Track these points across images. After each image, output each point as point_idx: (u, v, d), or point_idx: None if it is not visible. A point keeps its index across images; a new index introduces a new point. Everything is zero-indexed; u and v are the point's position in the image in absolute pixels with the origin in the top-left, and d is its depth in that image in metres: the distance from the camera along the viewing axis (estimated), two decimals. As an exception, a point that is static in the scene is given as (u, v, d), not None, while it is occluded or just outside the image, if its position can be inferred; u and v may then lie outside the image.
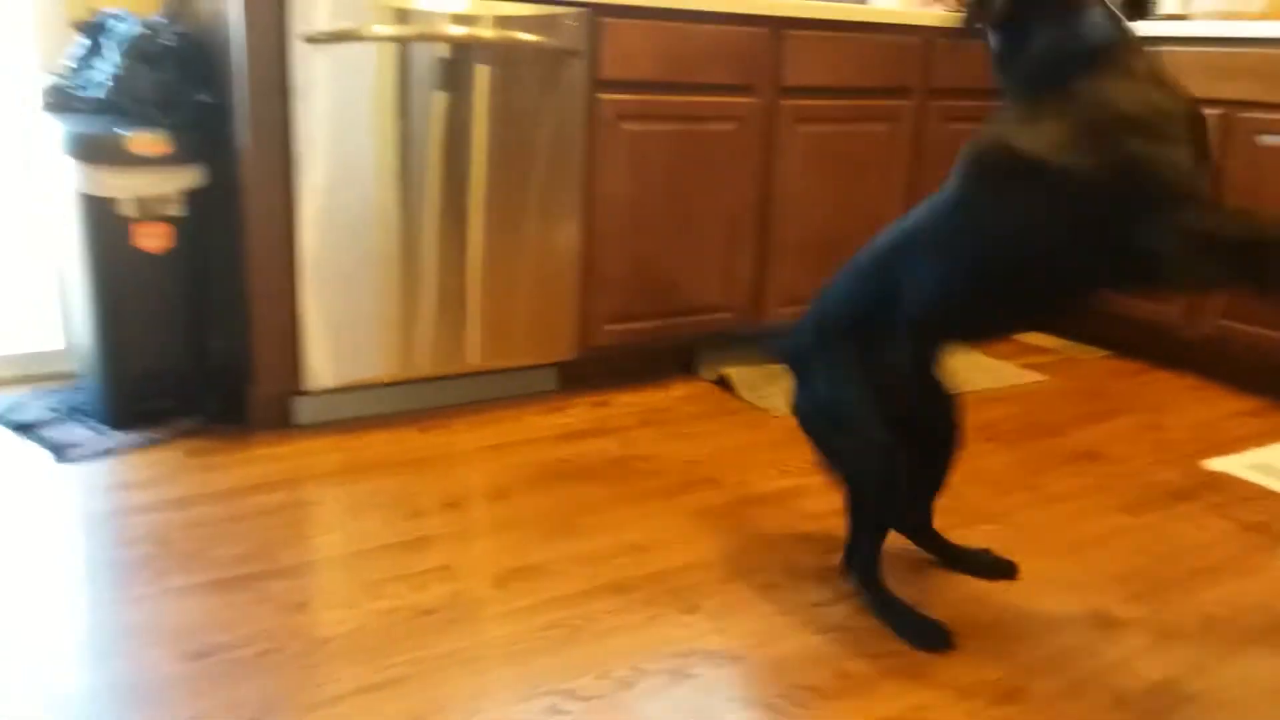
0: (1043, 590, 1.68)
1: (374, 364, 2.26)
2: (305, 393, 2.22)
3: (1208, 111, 2.76)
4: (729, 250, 2.65)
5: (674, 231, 2.55)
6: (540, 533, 1.82)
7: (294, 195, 2.09)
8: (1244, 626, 1.59)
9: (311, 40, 2.03)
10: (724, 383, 2.66)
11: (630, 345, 2.59)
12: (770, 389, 2.61)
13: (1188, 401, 2.69)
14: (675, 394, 2.59)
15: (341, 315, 2.19)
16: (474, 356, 2.38)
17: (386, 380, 2.30)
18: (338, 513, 1.87)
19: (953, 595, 1.66)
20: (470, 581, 1.64)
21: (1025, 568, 1.75)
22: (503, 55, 2.23)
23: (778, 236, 2.71)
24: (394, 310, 2.25)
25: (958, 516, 1.94)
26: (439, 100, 2.19)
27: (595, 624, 1.53)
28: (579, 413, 2.43)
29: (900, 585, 1.63)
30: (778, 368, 2.70)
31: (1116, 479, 2.16)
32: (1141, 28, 2.88)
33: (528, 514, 1.89)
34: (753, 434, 2.34)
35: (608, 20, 2.32)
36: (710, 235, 2.60)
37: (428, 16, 2.13)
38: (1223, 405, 2.68)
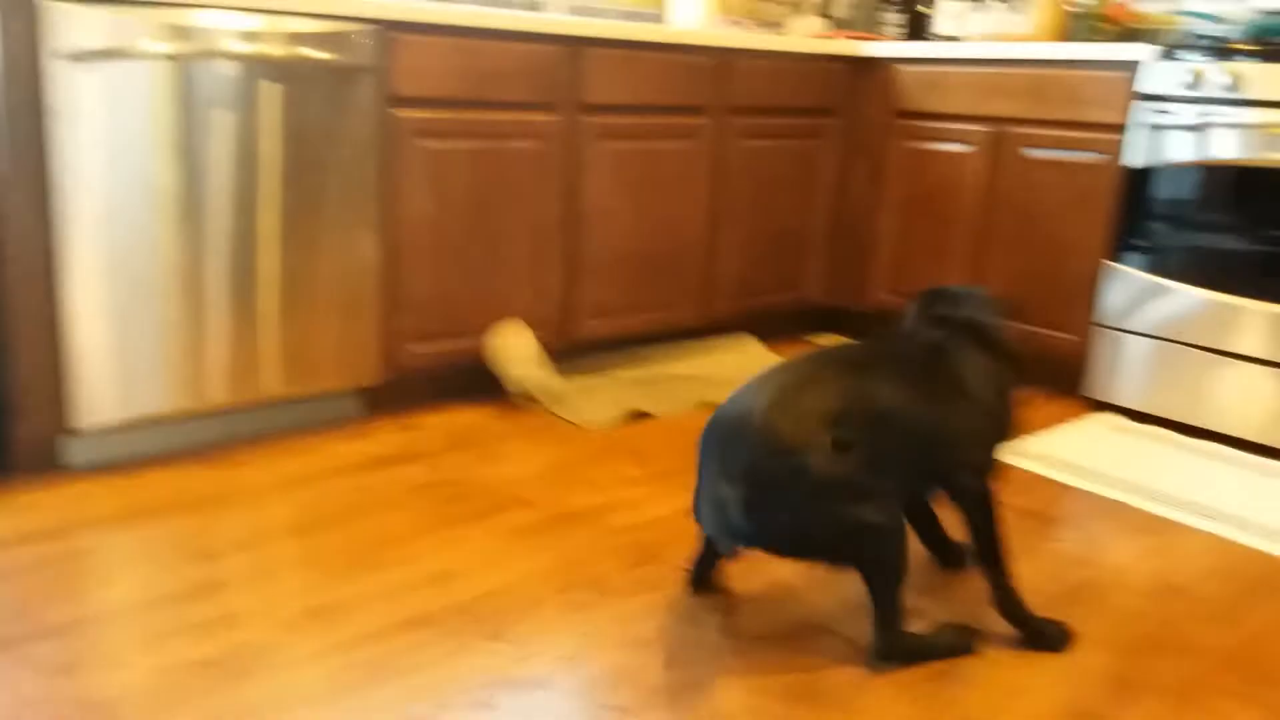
0: (840, 589, 1.74)
1: (158, 397, 2.12)
2: (77, 431, 2.06)
3: (980, 129, 2.97)
4: (537, 267, 2.64)
5: (480, 249, 2.52)
6: (337, 569, 1.75)
7: (55, 222, 1.94)
8: (1017, 610, 1.70)
9: (75, 58, 1.89)
10: (533, 399, 2.64)
11: (438, 366, 2.54)
12: (581, 402, 2.61)
13: (972, 398, 2.86)
14: (487, 413, 2.56)
15: (119, 346, 2.05)
16: (271, 384, 2.27)
17: (173, 414, 2.16)
18: (113, 562, 1.74)
19: (750, 599, 1.70)
20: (260, 628, 1.56)
21: (820, 572, 1.81)
22: (291, 73, 2.15)
23: (587, 252, 2.72)
24: (179, 339, 2.12)
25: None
26: (225, 120, 2.09)
27: (395, 662, 1.48)
28: (384, 438, 2.36)
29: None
30: (588, 383, 2.71)
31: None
32: (920, 48, 3.06)
33: (324, 550, 1.81)
34: (565, 449, 2.33)
35: (400, 36, 2.27)
36: (517, 252, 2.59)
37: (208, 33, 2.02)
38: (1003, 400, 2.86)
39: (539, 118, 2.54)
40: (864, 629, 1.63)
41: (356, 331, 2.37)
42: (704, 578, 1.72)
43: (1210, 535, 2.02)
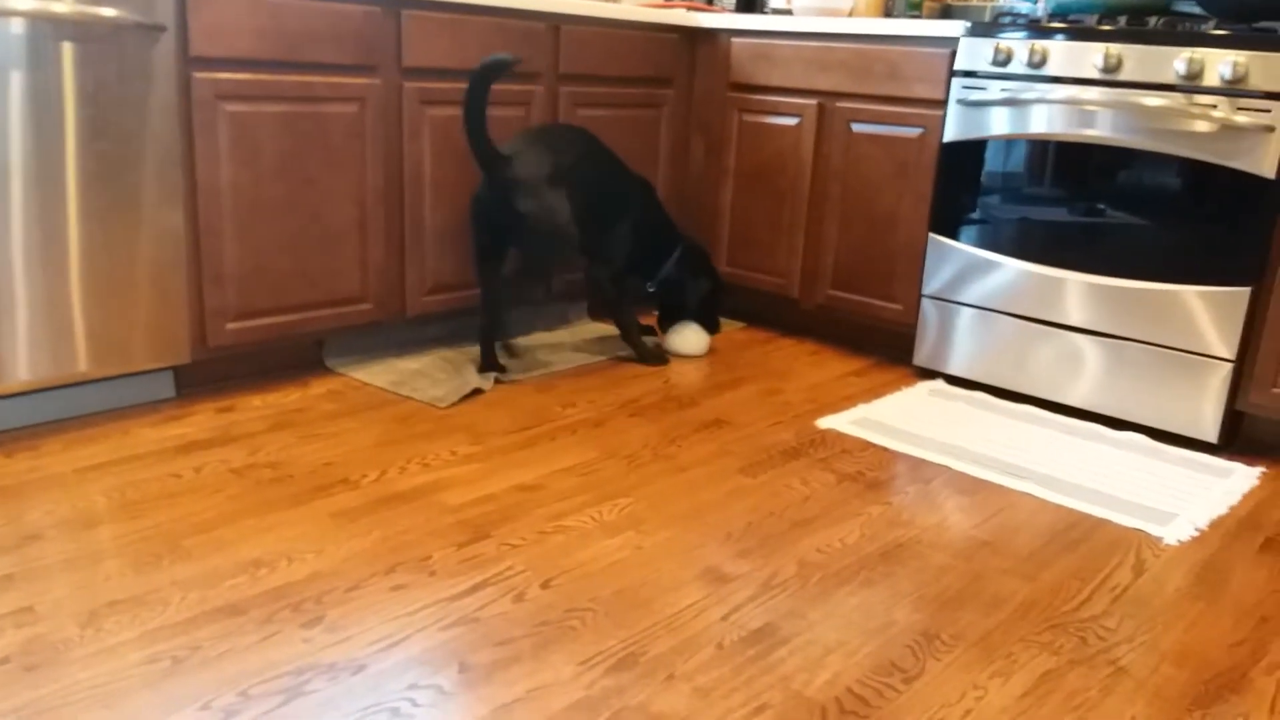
0: (665, 558, 1.77)
1: (-61, 383, 1.96)
2: None
3: (809, 103, 3.03)
4: (362, 239, 2.55)
5: (298, 220, 2.41)
6: (141, 561, 1.65)
7: None
8: (835, 570, 1.76)
9: None
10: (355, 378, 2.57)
11: (258, 343, 2.43)
12: (413, 380, 2.55)
13: (805, 366, 2.95)
14: (313, 392, 2.47)
15: (-111, 329, 1.88)
16: (78, 364, 2.13)
17: (-42, 401, 2.00)
18: (-114, 562, 1.60)
19: (581, 571, 1.70)
20: (53, 623, 1.46)
21: (653, 538, 1.83)
22: (84, 31, 2.00)
23: (414, 223, 2.65)
24: (-39, 320, 1.96)
25: (596, 493, 2.00)
26: (14, 82, 1.92)
27: (201, 653, 1.42)
28: (199, 420, 2.24)
29: (534, 559, 1.64)
30: (420, 359, 2.66)
31: (739, 443, 2.32)
32: (752, 20, 3.10)
33: (130, 541, 1.71)
34: (396, 428, 2.27)
35: (203, -6, 2.14)
36: (339, 224, 2.49)
37: (-22, -17, 1.86)
38: (834, 367, 2.96)
39: (356, 80, 2.45)
40: (688, 604, 1.65)
41: (167, 308, 2.25)
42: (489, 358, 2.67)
43: (1021, 494, 2.14)
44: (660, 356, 2.88)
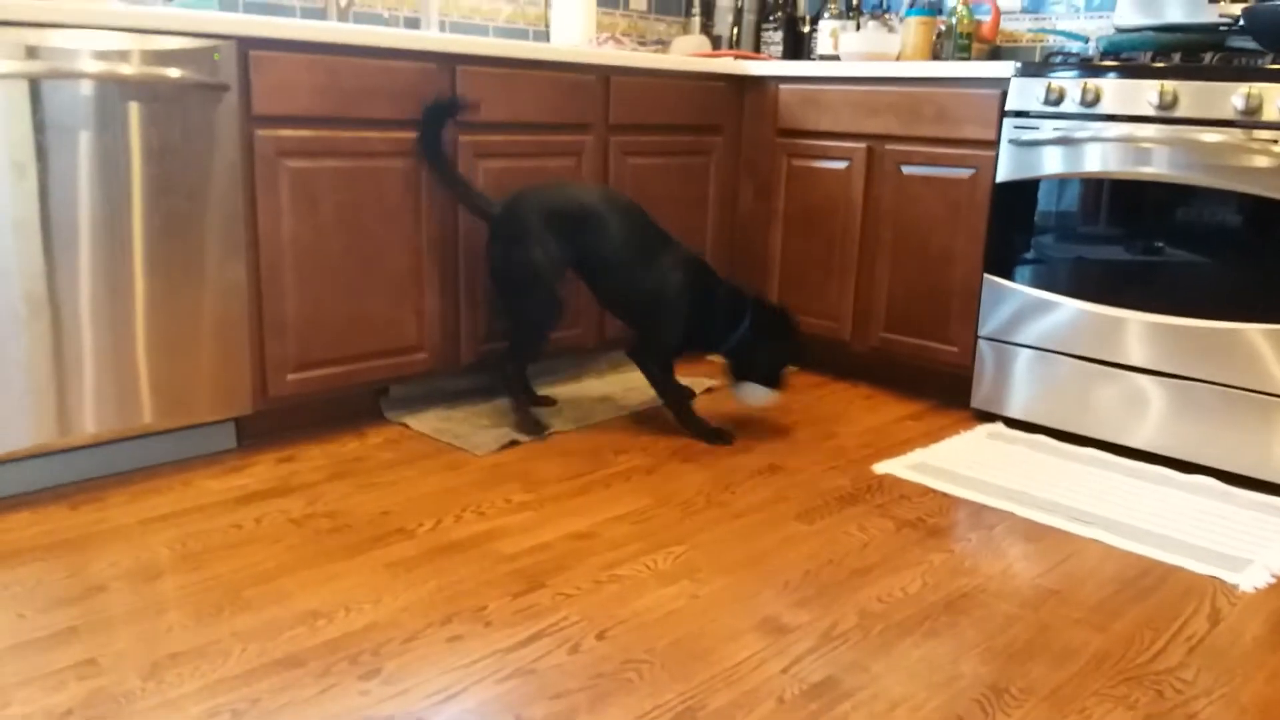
0: (721, 607, 1.74)
1: (18, 434, 2.01)
2: (-78, 476, 1.93)
3: (859, 146, 3.02)
4: (417, 289, 2.59)
5: (355, 272, 2.46)
6: (202, 612, 1.67)
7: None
8: (896, 620, 1.72)
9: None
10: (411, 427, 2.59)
11: (317, 394, 2.47)
12: (466, 428, 2.57)
13: (859, 410, 2.91)
14: (370, 442, 2.49)
15: (-36, 385, 1.94)
16: (141, 417, 2.17)
17: (32, 451, 2.05)
18: (-42, 613, 1.63)
19: (636, 621, 1.68)
20: (116, 675, 1.48)
21: (709, 587, 1.81)
22: (149, 92, 2.07)
23: (468, 273, 2.68)
24: (40, 372, 2.01)
25: (650, 540, 1.98)
26: (82, 142, 2.00)
27: (260, 705, 1.42)
28: (260, 471, 2.27)
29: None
30: (476, 408, 2.68)
31: (794, 489, 2.29)
32: (800, 67, 3.12)
33: (191, 592, 1.73)
34: (451, 476, 2.28)
35: (257, 53, 2.21)
36: (395, 274, 2.53)
37: (60, 53, 1.93)
38: (890, 411, 2.92)
39: (411, 135, 2.49)
40: (747, 656, 1.63)
41: (228, 360, 2.29)
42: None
43: (1088, 540, 2.08)
44: (724, 436, 2.61)
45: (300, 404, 2.50)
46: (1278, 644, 1.69)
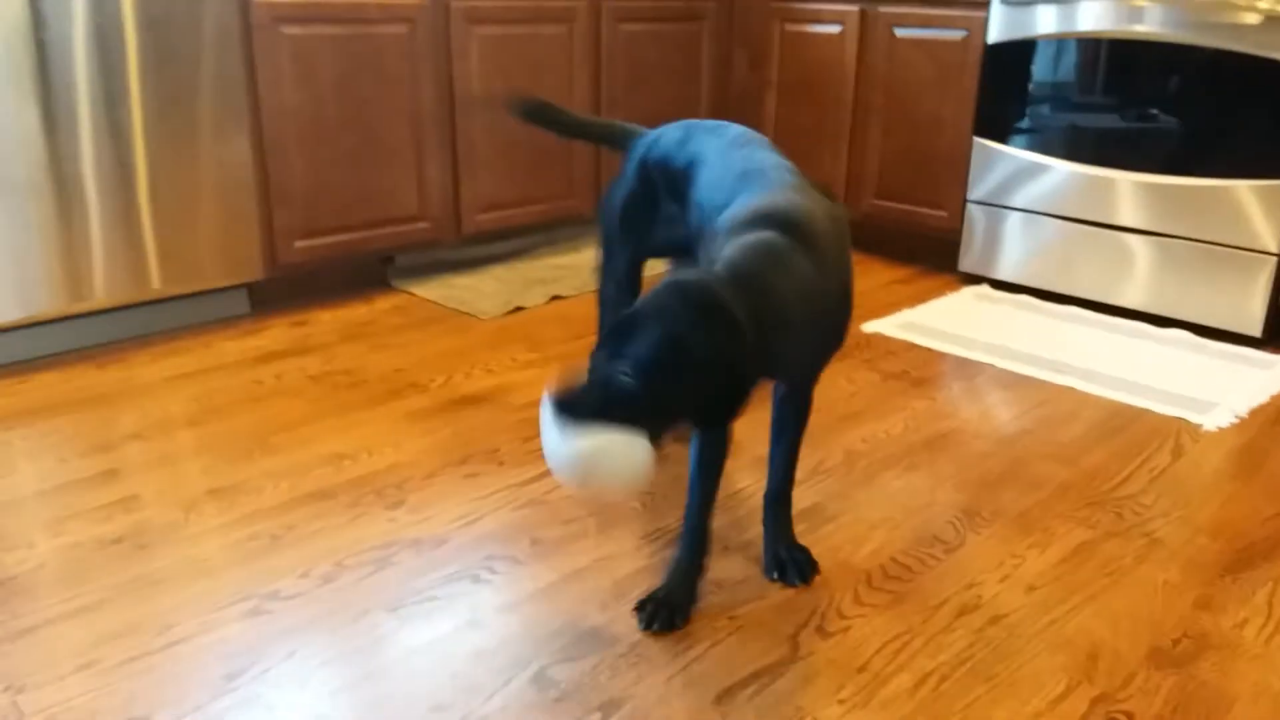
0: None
1: (35, 299, 2.10)
2: (-44, 338, 2.03)
3: (852, 9, 3.03)
4: (418, 159, 2.64)
5: (357, 141, 2.51)
6: (234, 454, 1.79)
7: (-90, 119, 1.88)
8: (879, 457, 1.85)
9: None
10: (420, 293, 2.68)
11: (326, 261, 2.55)
12: (470, 295, 2.66)
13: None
14: (379, 307, 2.59)
15: (-11, 250, 2.02)
16: (154, 283, 2.26)
17: (54, 315, 2.14)
18: (7, 457, 1.75)
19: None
20: (159, 508, 1.60)
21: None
22: (145, -42, 2.08)
23: (466, 141, 2.73)
24: (52, 240, 2.09)
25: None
26: (80, 11, 2.02)
27: (296, 531, 1.55)
28: (275, 334, 2.37)
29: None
30: (478, 275, 2.75)
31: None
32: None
33: (221, 438, 1.85)
34: (459, 339, 2.39)
35: (261, -80, 2.21)
36: (396, 144, 2.58)
37: (49, -86, 1.94)
38: (880, 276, 3.01)
39: (405, 1, 2.51)
40: (742, 486, 1.75)
41: (237, 228, 2.36)
42: None
43: (1064, 387, 2.20)
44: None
45: (310, 272, 2.58)
46: (1235, 474, 1.82)
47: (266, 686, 1.21)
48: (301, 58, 2.35)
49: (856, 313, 2.66)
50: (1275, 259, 2.39)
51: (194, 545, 1.51)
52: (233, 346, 2.28)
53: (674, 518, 1.62)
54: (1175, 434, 1.98)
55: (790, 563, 1.46)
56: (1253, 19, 2.31)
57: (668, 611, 1.35)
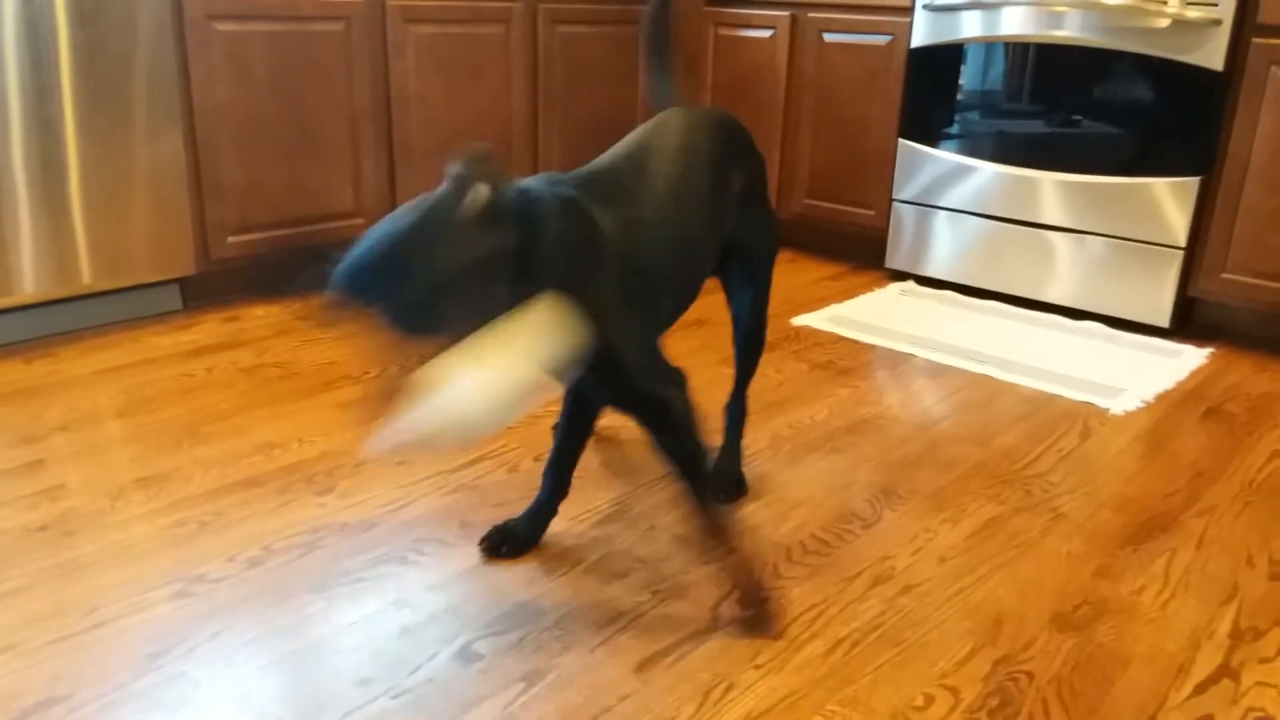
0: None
1: (-40, 294, 2.08)
2: (-124, 332, 2.00)
3: (782, 14, 3.10)
4: (354, 155, 2.65)
5: (292, 137, 2.51)
6: (163, 444, 1.79)
7: None
8: (803, 442, 1.90)
9: None
10: (363, 288, 2.69)
11: (259, 256, 2.55)
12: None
13: (782, 273, 3.07)
14: (314, 303, 2.59)
15: (-89, 243, 1.99)
16: (84, 277, 2.25)
17: (-22, 311, 2.12)
18: (-72, 450, 1.74)
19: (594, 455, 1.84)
20: (86, 496, 1.60)
21: (634, 418, 1.97)
22: (72, -49, 2.08)
23: (403, 137, 2.75)
24: (-23, 234, 2.07)
25: (579, 383, 2.13)
26: (9, 4, 2.01)
27: (224, 517, 1.56)
28: (208, 329, 2.37)
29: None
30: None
31: (718, 339, 2.45)
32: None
33: (150, 429, 1.85)
34: (391, 332, 2.40)
35: (191, -85, 2.22)
36: (331, 140, 2.59)
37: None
38: (810, 273, 3.09)
39: None
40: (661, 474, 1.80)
41: (169, 222, 2.36)
42: None
43: (979, 375, 2.28)
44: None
45: (243, 267, 2.58)
46: (1139, 454, 1.91)
47: (192, 665, 1.23)
48: (236, 54, 2.36)
49: (786, 306, 2.72)
50: (1183, 253, 2.51)
51: (121, 532, 1.51)
52: (164, 341, 2.28)
53: (603, 499, 1.66)
54: (1084, 418, 2.06)
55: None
56: (1162, 23, 2.42)
57: (505, 540, 1.48)
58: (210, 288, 2.55)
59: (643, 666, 1.26)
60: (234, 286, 2.60)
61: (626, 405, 1.30)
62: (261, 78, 2.42)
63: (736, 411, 1.71)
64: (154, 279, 2.37)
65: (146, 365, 2.14)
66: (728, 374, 2.16)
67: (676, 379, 1.30)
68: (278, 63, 2.44)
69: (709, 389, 2.12)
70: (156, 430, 1.85)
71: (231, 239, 2.46)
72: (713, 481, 1.42)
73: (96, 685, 1.19)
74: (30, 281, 2.17)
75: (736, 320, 1.64)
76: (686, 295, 1.39)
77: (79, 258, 2.22)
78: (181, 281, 2.47)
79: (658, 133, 1.41)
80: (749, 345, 1.67)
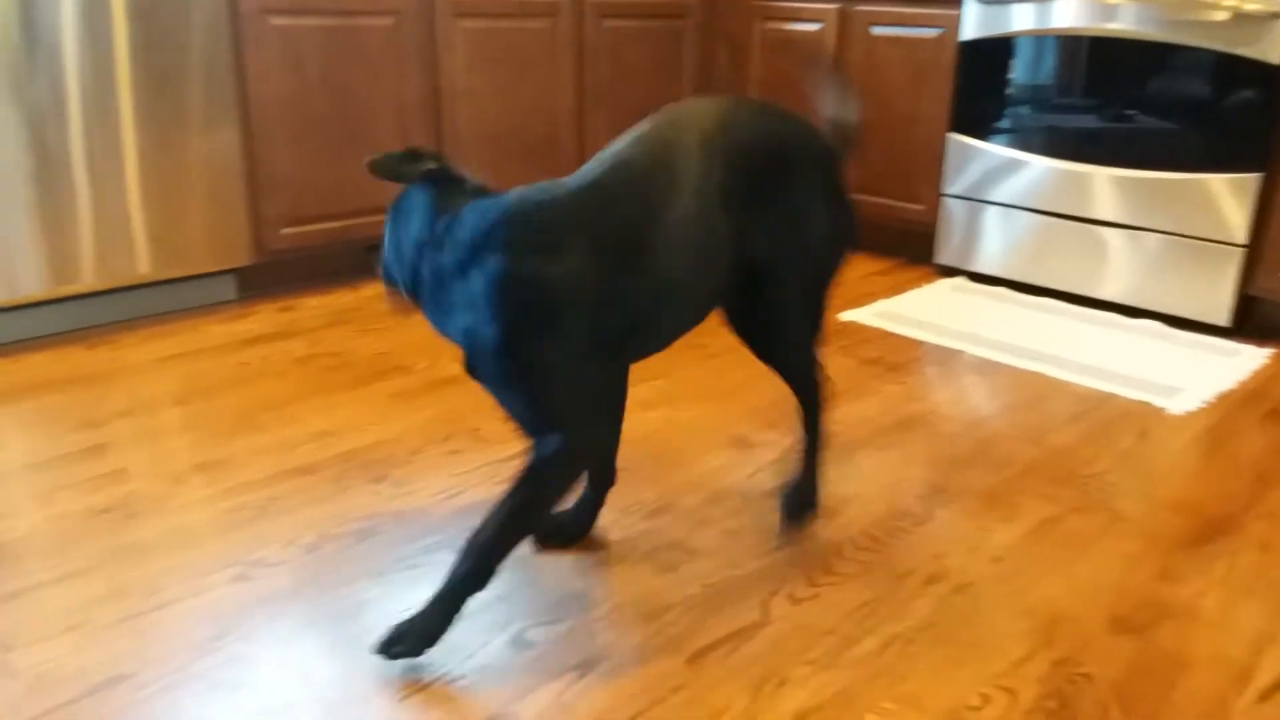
0: (696, 429, 1.91)
1: (24, 281, 2.13)
2: (-55, 318, 2.06)
3: (830, 8, 3.08)
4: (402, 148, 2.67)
5: (344, 130, 2.54)
6: (221, 431, 1.82)
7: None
8: (852, 438, 1.89)
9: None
10: (412, 280, 2.71)
11: (312, 248, 2.58)
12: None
13: (830, 266, 3.05)
14: (364, 294, 2.62)
15: (-22, 232, 2.04)
16: (142, 267, 2.29)
17: (42, 298, 2.17)
18: (-5, 434, 1.78)
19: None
20: (147, 481, 1.64)
21: (686, 413, 1.97)
22: (135, -54, 2.12)
23: (452, 131, 2.77)
24: (46, 222, 2.12)
25: (633, 376, 2.14)
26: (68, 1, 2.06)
27: (281, 503, 1.59)
28: (263, 319, 2.41)
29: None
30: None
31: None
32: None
33: (207, 416, 1.89)
34: (441, 324, 2.42)
35: (250, -90, 2.25)
36: (382, 133, 2.62)
37: (41, -99, 1.97)
38: (859, 268, 3.06)
39: (394, -6, 2.55)
40: (717, 466, 1.79)
41: (225, 214, 2.39)
42: None
43: (1031, 372, 2.25)
44: None
45: (296, 259, 2.61)
46: (1198, 455, 1.87)
47: (251, 646, 1.25)
48: (289, 48, 2.39)
49: (835, 302, 2.70)
50: (1243, 250, 2.46)
51: (181, 515, 1.54)
52: (220, 330, 2.32)
53: (651, 493, 1.66)
54: (1142, 417, 2.03)
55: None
56: (1221, 16, 2.37)
57: (557, 531, 1.49)
58: (265, 278, 2.58)
59: (694, 659, 1.26)
60: (288, 277, 2.63)
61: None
62: (314, 71, 2.45)
63: (813, 436, 1.55)
64: (210, 269, 2.41)
65: (204, 354, 2.17)
66: (767, 370, 2.16)
67: (567, 440, 1.20)
68: (330, 57, 2.46)
69: (755, 383, 2.12)
70: (214, 417, 1.88)
71: (285, 231, 2.50)
72: (787, 500, 1.53)
73: (159, 665, 1.21)
74: (90, 270, 2.21)
75: (777, 370, 1.48)
76: (669, 333, 1.30)
77: (137, 247, 2.27)
78: (237, 272, 2.51)
79: (671, 128, 1.29)
80: (804, 393, 1.51)
